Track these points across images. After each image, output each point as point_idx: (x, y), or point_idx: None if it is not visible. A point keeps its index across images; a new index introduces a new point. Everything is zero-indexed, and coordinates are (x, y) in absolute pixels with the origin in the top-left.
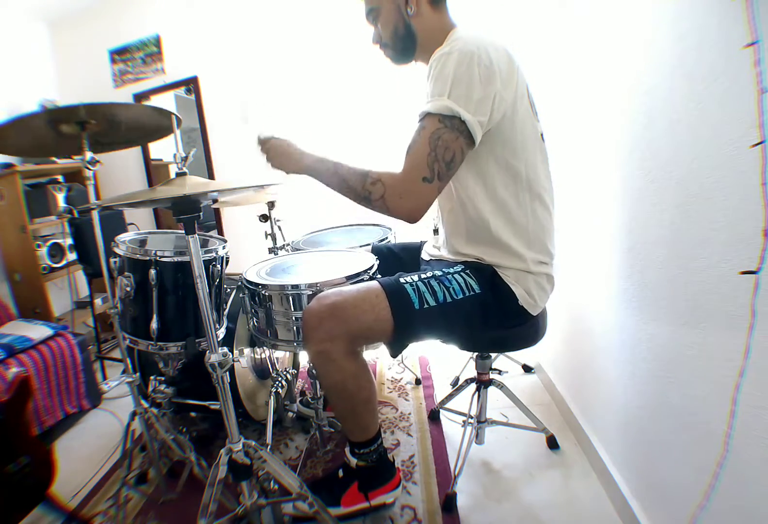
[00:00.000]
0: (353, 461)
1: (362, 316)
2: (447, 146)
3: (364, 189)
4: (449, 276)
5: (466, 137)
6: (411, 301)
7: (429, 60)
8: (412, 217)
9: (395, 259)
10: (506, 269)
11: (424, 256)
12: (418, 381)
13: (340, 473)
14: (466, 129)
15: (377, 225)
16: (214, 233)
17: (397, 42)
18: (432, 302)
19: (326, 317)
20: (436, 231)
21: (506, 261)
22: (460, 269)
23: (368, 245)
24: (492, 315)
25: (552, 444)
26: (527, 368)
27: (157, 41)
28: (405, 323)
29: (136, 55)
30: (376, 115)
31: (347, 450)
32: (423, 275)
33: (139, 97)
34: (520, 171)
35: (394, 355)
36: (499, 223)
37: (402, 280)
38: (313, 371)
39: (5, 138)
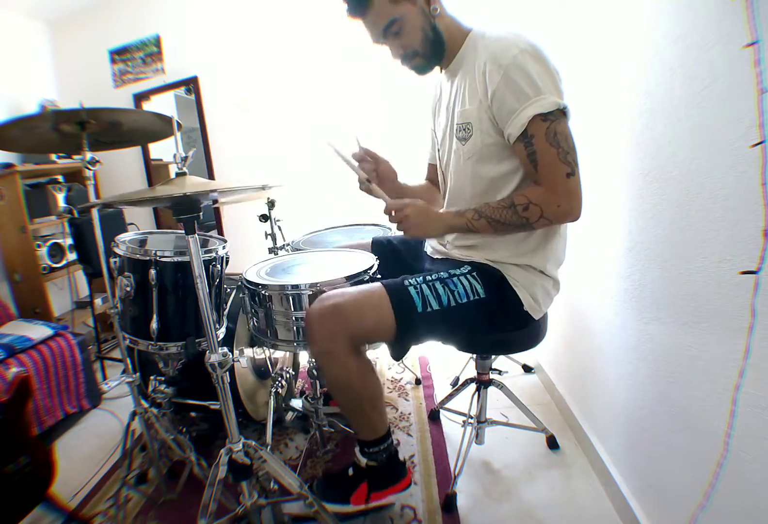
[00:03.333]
0: (363, 460)
1: (364, 317)
2: (565, 135)
3: (520, 218)
4: (455, 279)
5: (567, 117)
6: (414, 304)
7: (445, 62)
8: (576, 215)
9: (394, 251)
10: (516, 270)
11: (428, 250)
12: (418, 381)
13: (350, 471)
14: (564, 113)
15: (377, 225)
16: (214, 233)
17: (428, 47)
18: (435, 306)
19: (328, 317)
20: None
21: (519, 259)
22: (466, 271)
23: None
24: (495, 319)
25: (552, 444)
26: (527, 368)
27: (157, 41)
28: (407, 326)
29: (136, 55)
30: (376, 114)
31: (357, 449)
32: (428, 278)
33: (139, 97)
34: None
35: (396, 358)
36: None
37: (406, 282)
38: (314, 372)
39: (7, 136)
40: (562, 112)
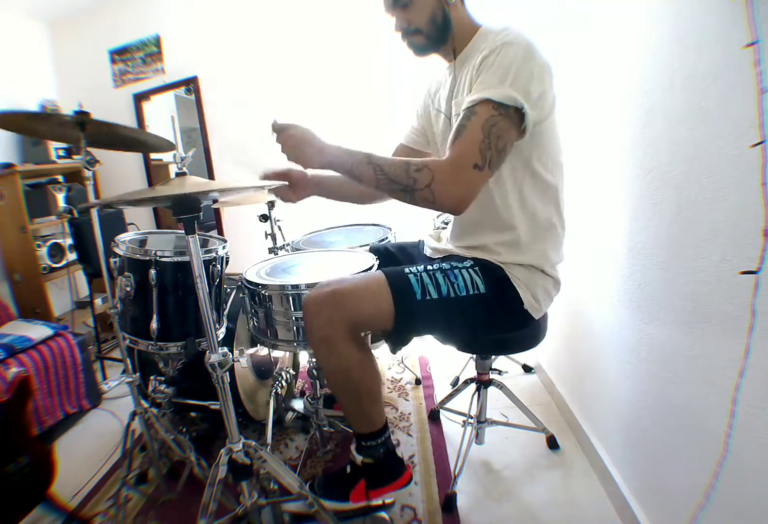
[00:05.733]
0: (358, 458)
1: (363, 304)
2: (500, 135)
3: (408, 177)
4: (456, 271)
5: (517, 127)
6: (413, 291)
7: (451, 53)
8: (460, 206)
9: (392, 258)
10: (518, 269)
11: (428, 252)
12: (418, 381)
13: (348, 468)
14: (519, 120)
15: (377, 225)
16: (214, 233)
17: (433, 29)
18: (434, 295)
19: (326, 303)
20: (446, 224)
21: (521, 259)
22: (468, 265)
23: (367, 245)
24: (494, 317)
25: (552, 444)
26: (527, 368)
27: (157, 41)
28: (406, 313)
29: (136, 55)
30: (375, 114)
31: (353, 446)
32: (429, 267)
33: (139, 97)
34: (550, 185)
35: (393, 351)
36: (524, 229)
37: (406, 270)
38: (314, 372)
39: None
40: (517, 113)
